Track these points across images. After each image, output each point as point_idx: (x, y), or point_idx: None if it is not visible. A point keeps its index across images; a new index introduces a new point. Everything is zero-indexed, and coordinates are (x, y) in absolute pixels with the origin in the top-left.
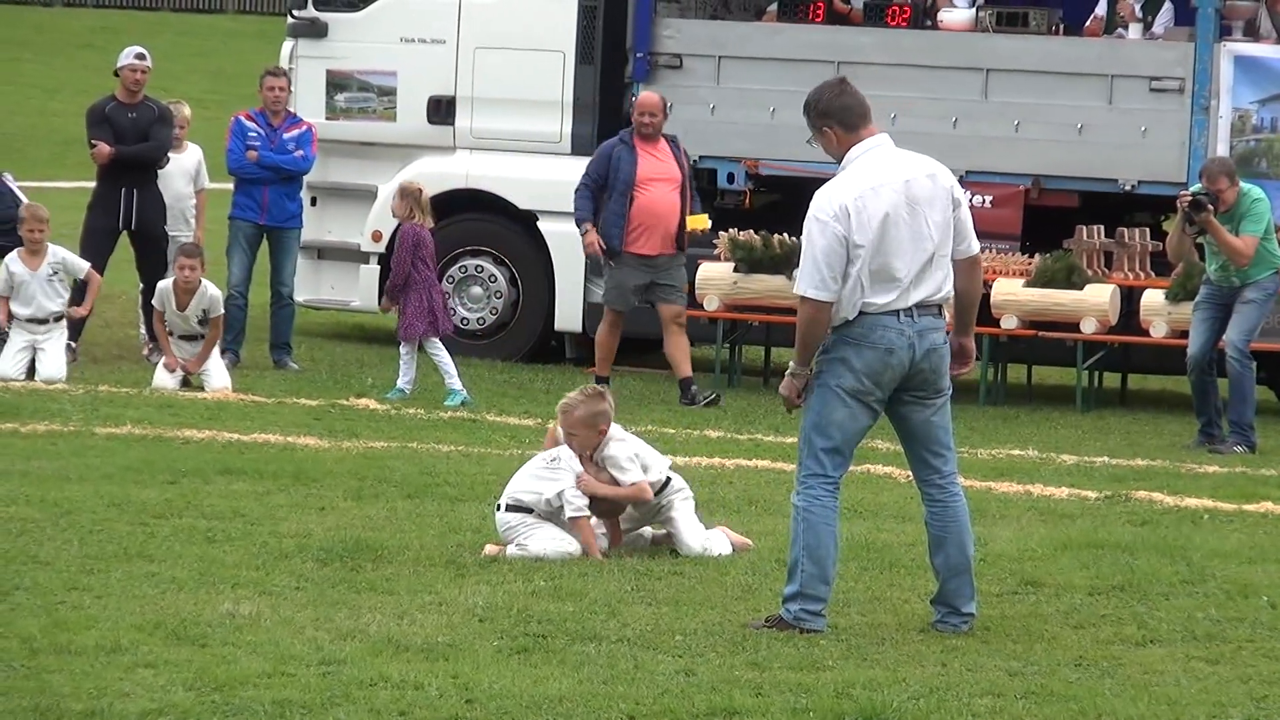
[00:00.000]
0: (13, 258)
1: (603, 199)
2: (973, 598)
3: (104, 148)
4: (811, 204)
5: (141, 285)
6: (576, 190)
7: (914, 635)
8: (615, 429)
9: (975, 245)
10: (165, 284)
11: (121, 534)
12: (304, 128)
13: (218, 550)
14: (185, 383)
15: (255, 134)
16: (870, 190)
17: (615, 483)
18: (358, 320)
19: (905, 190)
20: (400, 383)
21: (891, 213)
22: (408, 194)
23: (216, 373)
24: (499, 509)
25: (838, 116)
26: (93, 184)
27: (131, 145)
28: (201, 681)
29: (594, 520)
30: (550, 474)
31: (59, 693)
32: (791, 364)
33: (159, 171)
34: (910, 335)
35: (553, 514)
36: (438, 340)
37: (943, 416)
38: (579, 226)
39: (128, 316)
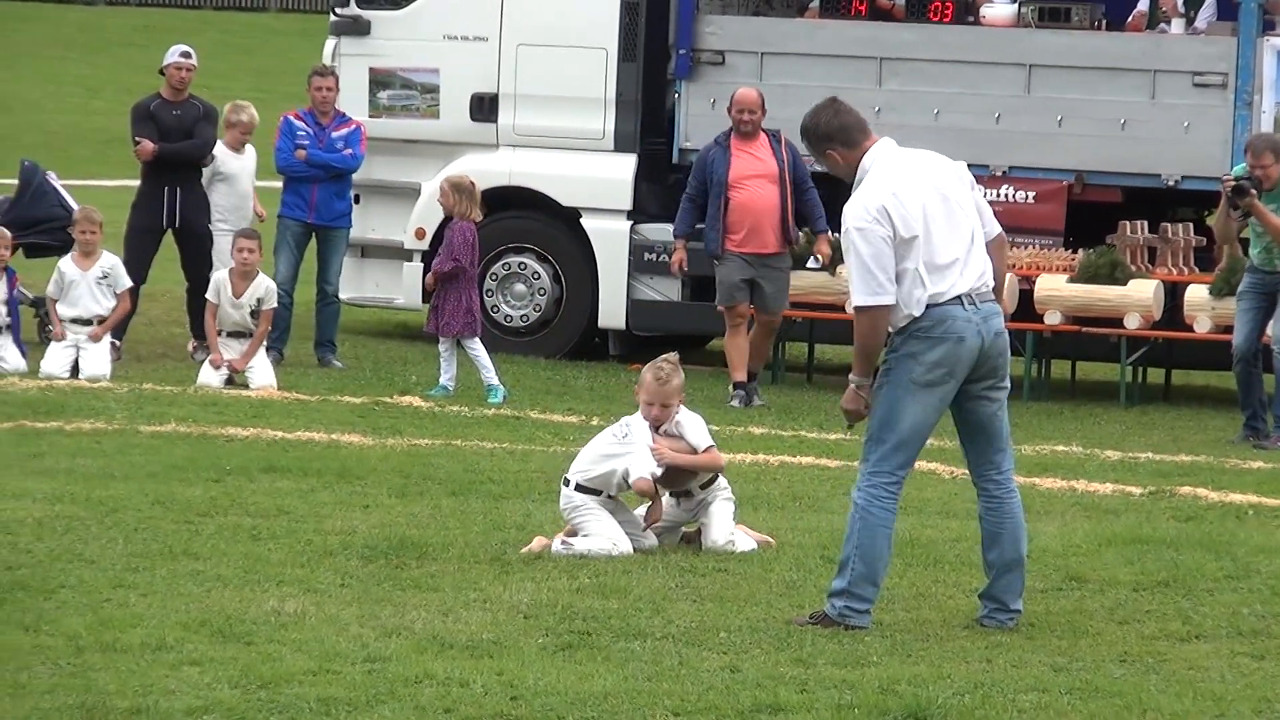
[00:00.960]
0: (66, 260)
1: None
2: (1021, 594)
3: (147, 145)
4: (845, 216)
5: (186, 284)
6: (681, 203)
7: (959, 631)
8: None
9: (998, 225)
10: (220, 273)
11: (166, 532)
12: (353, 126)
13: (262, 548)
14: (229, 381)
15: (304, 133)
16: (901, 186)
17: (691, 450)
18: (401, 318)
19: (930, 179)
20: (443, 380)
21: (927, 202)
22: (461, 188)
23: (261, 370)
24: (566, 484)
25: (840, 138)
26: (136, 182)
27: (175, 143)
28: (247, 679)
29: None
30: (622, 448)
31: (105, 690)
32: (853, 377)
33: (226, 173)
34: (977, 322)
35: (620, 499)
36: (475, 338)
37: (1005, 411)
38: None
39: (172, 315)
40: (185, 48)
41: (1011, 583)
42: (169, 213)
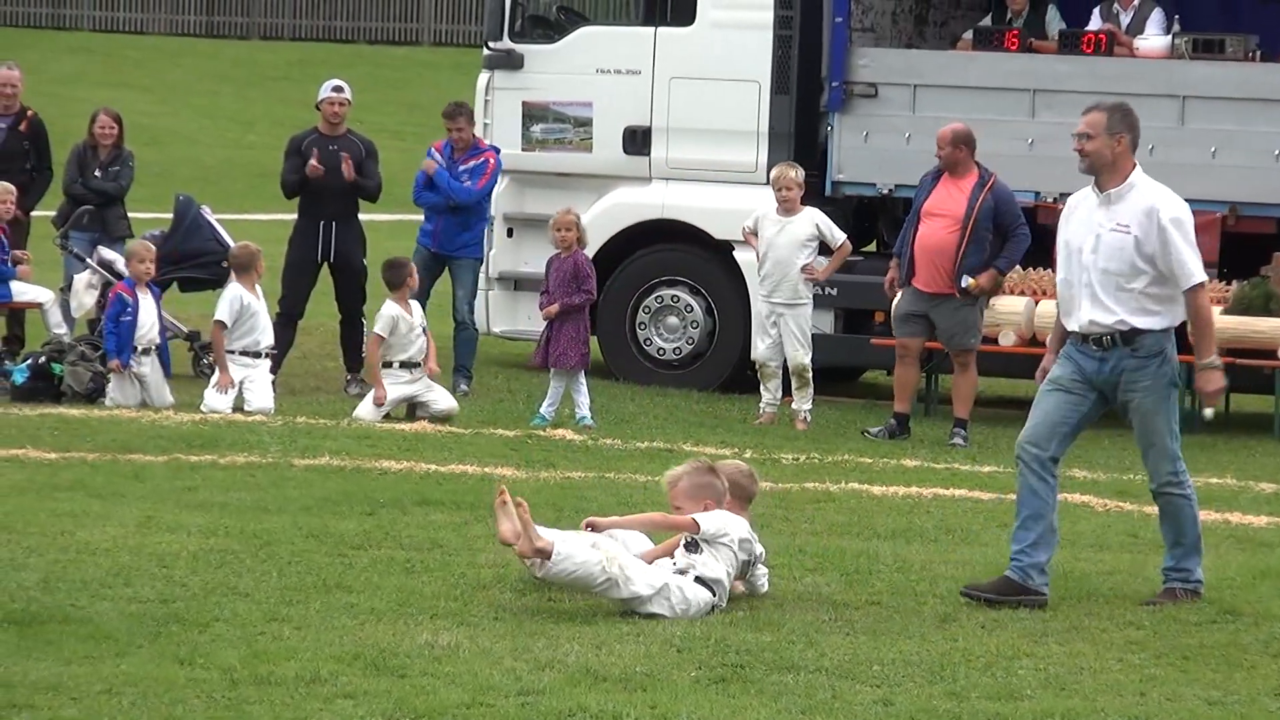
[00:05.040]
0: (243, 289)
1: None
2: None
3: (319, 167)
4: (1169, 207)
5: (340, 317)
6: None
7: (1112, 664)
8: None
9: None
10: (394, 309)
11: (320, 565)
12: (482, 158)
13: (416, 581)
14: (387, 416)
15: (440, 166)
16: None
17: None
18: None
19: None
20: (581, 411)
21: None
22: (572, 225)
23: (442, 395)
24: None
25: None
26: (289, 216)
27: (327, 176)
28: (400, 712)
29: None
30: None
31: None
32: (1208, 360)
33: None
34: None
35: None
36: (583, 372)
37: None
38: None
39: (325, 349)
40: (338, 82)
41: None
42: (324, 247)
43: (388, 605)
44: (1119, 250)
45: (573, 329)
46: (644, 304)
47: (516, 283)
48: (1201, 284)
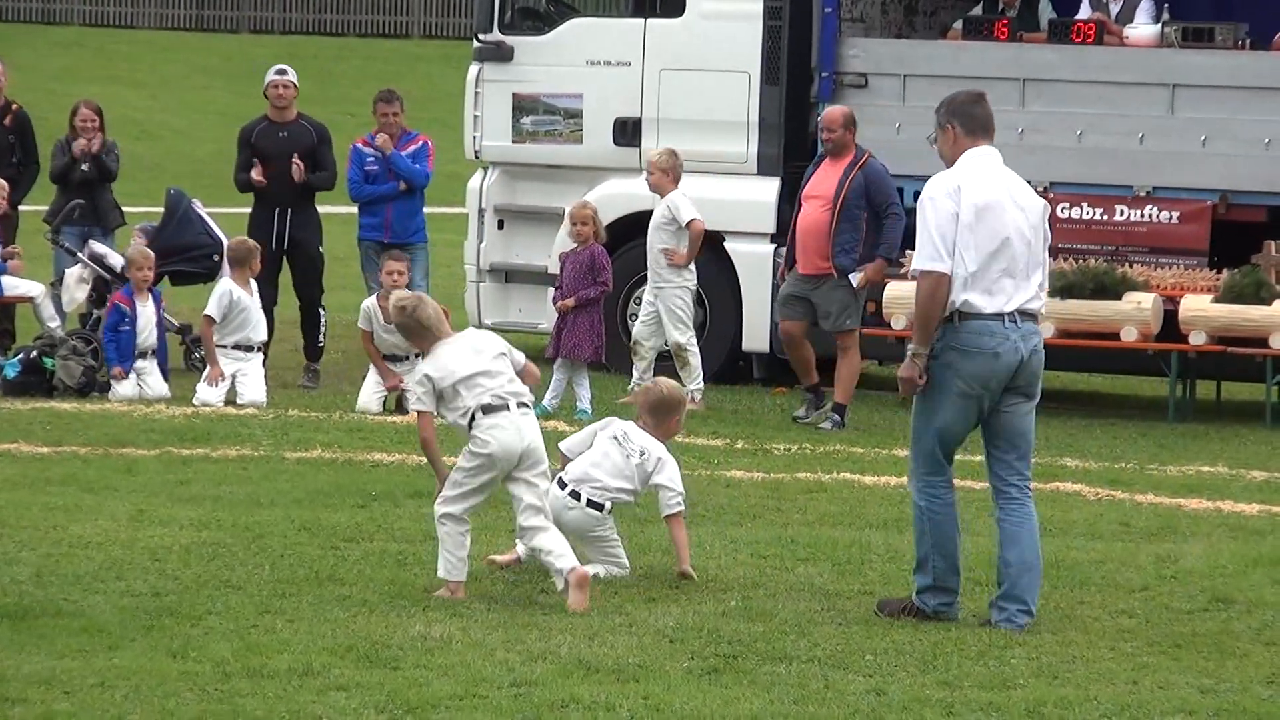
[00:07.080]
0: (234, 284)
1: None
2: (1036, 597)
3: (257, 175)
4: (925, 189)
5: (299, 304)
6: None
7: (1105, 653)
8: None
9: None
10: (369, 300)
11: (312, 558)
12: (420, 142)
13: (408, 573)
14: (385, 405)
15: (373, 158)
16: (981, 180)
17: None
18: (544, 342)
19: (1009, 190)
20: (582, 405)
21: (995, 203)
22: (589, 219)
23: None
24: (579, 498)
25: (963, 120)
26: None
27: (278, 163)
28: (393, 704)
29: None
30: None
31: (252, 716)
32: (912, 345)
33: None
34: (1015, 339)
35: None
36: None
37: (1032, 420)
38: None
39: None
40: (281, 65)
41: (1033, 581)
42: (278, 234)
43: (380, 597)
44: None
45: (587, 321)
46: (635, 295)
47: (508, 274)
48: (920, 273)
